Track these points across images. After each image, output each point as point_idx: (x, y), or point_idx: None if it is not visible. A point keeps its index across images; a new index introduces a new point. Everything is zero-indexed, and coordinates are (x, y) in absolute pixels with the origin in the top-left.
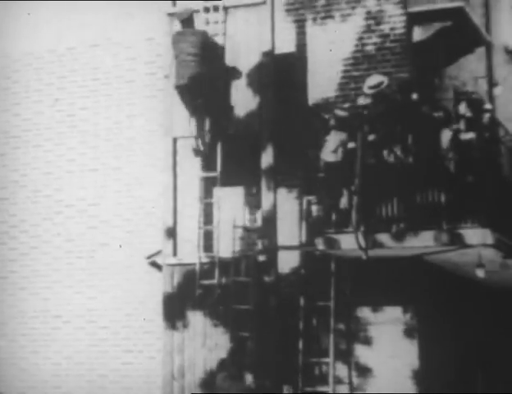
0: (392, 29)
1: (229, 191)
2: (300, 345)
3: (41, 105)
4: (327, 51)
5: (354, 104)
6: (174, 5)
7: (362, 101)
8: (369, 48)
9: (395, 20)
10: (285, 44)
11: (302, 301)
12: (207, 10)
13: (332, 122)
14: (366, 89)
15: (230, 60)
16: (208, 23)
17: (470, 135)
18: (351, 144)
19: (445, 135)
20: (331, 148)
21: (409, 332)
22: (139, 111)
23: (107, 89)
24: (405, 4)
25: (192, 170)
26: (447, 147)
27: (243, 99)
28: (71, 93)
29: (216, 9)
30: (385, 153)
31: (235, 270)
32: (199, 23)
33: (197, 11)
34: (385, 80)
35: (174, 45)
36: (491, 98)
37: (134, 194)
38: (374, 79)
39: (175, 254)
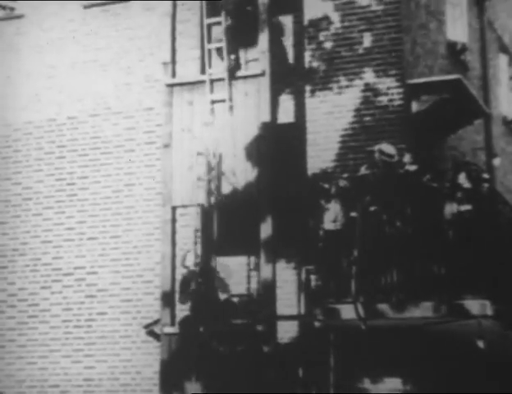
0: (390, 100)
1: (228, 261)
2: None
3: (41, 174)
4: (326, 122)
5: (354, 174)
6: (173, 76)
7: (363, 171)
8: (367, 119)
9: (393, 91)
10: (284, 115)
11: (301, 372)
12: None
13: (333, 191)
14: (376, 150)
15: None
16: (212, 92)
17: (468, 207)
18: (351, 214)
19: (446, 207)
20: (331, 217)
21: None
22: (138, 180)
23: (107, 158)
24: (403, 76)
25: (190, 238)
26: (447, 218)
27: (242, 170)
28: (71, 162)
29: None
30: (385, 222)
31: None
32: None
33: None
34: (396, 156)
35: None
36: (490, 169)
37: (133, 263)
38: (388, 148)
39: (173, 323)
